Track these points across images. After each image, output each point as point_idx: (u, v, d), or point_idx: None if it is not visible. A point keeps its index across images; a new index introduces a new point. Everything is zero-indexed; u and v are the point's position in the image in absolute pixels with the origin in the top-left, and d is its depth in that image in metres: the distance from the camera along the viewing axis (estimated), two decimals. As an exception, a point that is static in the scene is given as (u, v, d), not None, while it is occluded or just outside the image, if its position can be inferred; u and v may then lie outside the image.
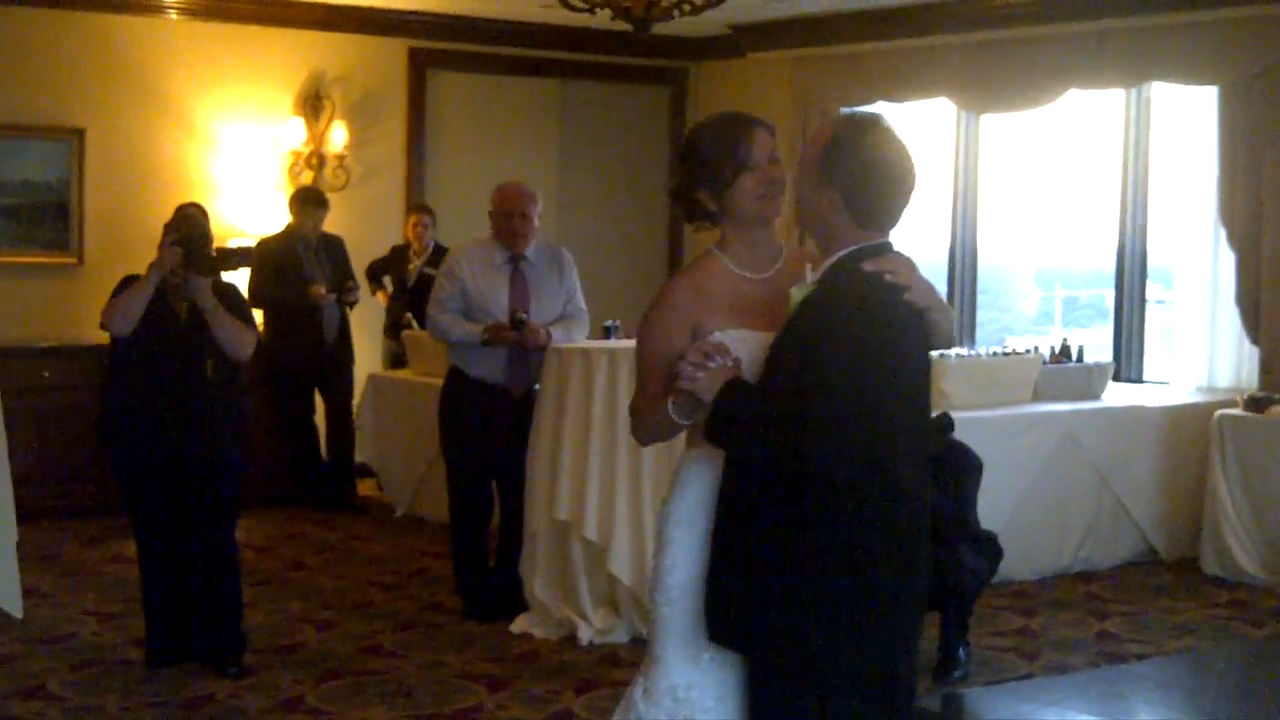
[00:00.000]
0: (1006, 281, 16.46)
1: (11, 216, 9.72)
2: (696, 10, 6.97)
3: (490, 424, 7.05)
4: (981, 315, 11.19)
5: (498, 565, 7.25)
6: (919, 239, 10.26)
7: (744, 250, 3.64)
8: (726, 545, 3.42)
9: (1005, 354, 8.78)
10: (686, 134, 3.74)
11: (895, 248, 3.44)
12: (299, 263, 9.56)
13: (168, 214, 6.51)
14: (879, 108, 9.94)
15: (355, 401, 9.90)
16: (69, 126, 9.75)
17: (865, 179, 3.34)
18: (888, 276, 3.31)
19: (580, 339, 7.09)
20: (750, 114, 3.70)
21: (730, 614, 3.40)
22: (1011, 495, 7.81)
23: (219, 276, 6.10)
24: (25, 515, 7.86)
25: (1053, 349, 9.01)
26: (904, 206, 3.43)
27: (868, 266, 3.32)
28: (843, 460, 3.25)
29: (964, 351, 8.75)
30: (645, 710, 3.56)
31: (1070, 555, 8.27)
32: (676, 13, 7.37)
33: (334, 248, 9.81)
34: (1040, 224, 10.45)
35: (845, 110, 9.33)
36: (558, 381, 6.90)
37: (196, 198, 9.62)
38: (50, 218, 9.77)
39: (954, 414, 6.63)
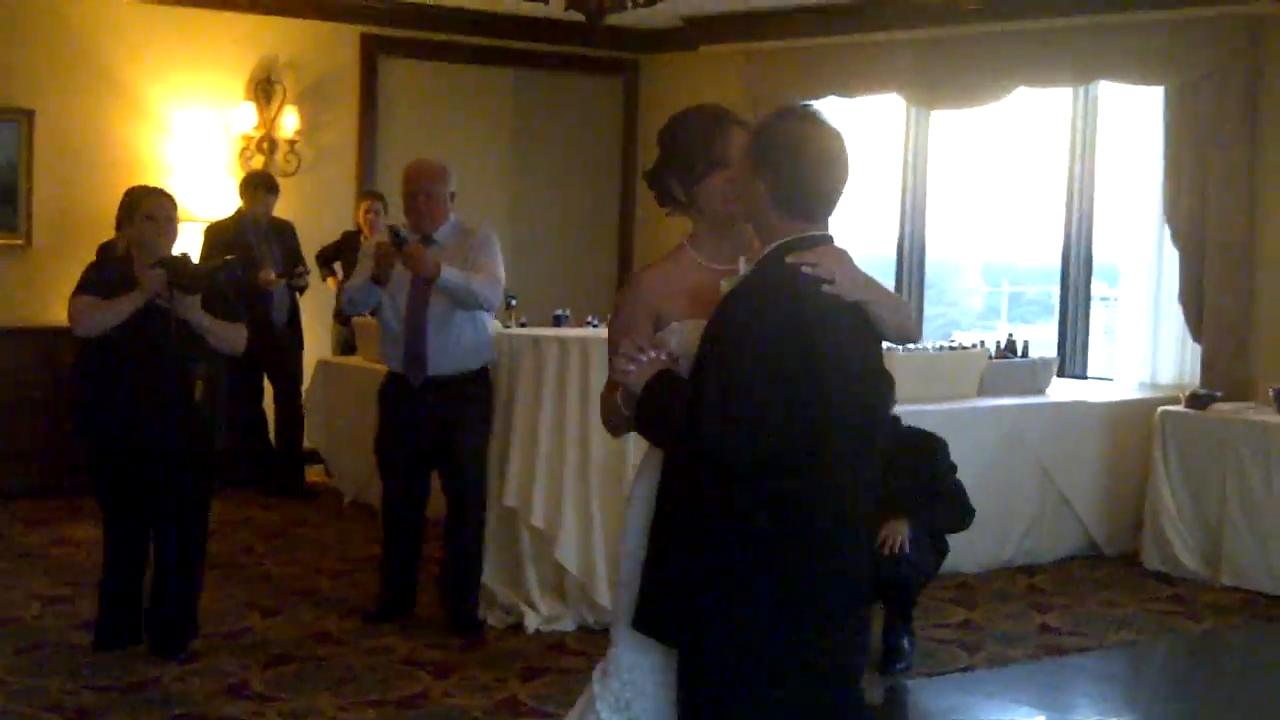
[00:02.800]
0: (953, 277, 16.62)
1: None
2: (649, 3, 6.98)
3: (400, 414, 6.73)
4: (929, 310, 11.30)
5: (449, 564, 6.94)
6: (867, 233, 10.33)
7: (711, 242, 3.66)
8: (655, 534, 3.47)
9: (951, 348, 8.87)
10: (668, 120, 3.75)
11: (832, 240, 3.42)
12: (248, 247, 9.50)
13: (117, 196, 6.49)
14: (829, 103, 10.01)
15: (304, 387, 9.88)
16: (17, 108, 9.68)
17: (790, 169, 3.33)
18: (805, 268, 3.30)
19: (480, 291, 6.46)
20: (731, 112, 3.72)
21: (652, 603, 3.44)
22: (955, 488, 7.87)
23: (209, 288, 6.05)
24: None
25: (998, 344, 9.10)
26: (834, 197, 3.40)
27: (789, 259, 3.32)
28: (744, 453, 3.25)
29: (910, 346, 8.80)
30: (598, 689, 3.65)
31: (1013, 548, 8.36)
32: (629, 4, 7.37)
33: (284, 233, 9.78)
34: (988, 220, 10.54)
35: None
36: (508, 369, 6.92)
37: (146, 180, 9.64)
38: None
39: (900, 408, 6.69)
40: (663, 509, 3.47)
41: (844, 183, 3.40)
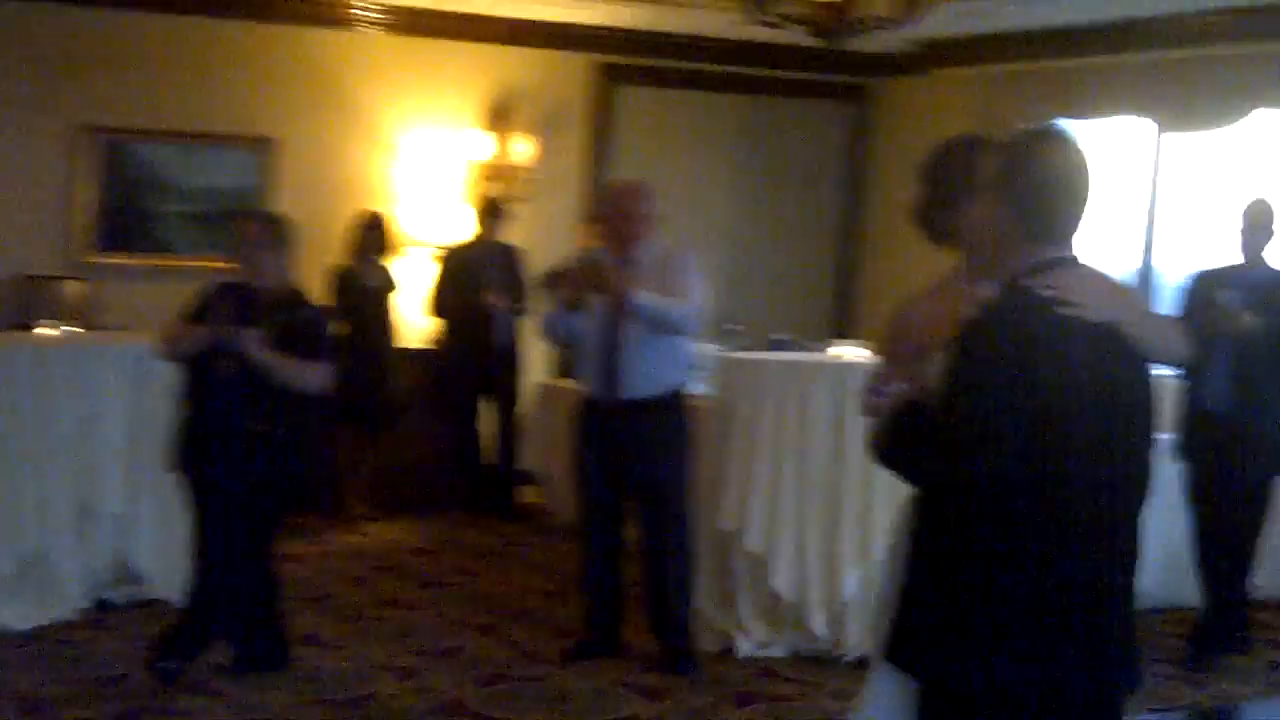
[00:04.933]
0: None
1: (202, 222, 9.99)
2: (890, 27, 6.89)
3: (595, 437, 6.62)
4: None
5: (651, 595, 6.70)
6: (1108, 256, 10.05)
7: (979, 272, 3.53)
8: (906, 567, 3.38)
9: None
10: (928, 153, 3.72)
11: (1075, 261, 3.28)
12: (478, 271, 9.69)
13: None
14: (1066, 125, 9.76)
15: (524, 409, 10.01)
16: (261, 135, 10.01)
17: (1032, 190, 3.24)
18: (1041, 290, 3.19)
19: (675, 316, 6.32)
20: (989, 138, 3.62)
21: (902, 636, 3.35)
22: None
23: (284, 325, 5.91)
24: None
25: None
26: (1077, 218, 3.28)
27: (1025, 281, 3.24)
28: (973, 485, 3.15)
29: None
30: (854, 714, 3.70)
31: None
32: (868, 27, 7.30)
33: (511, 257, 9.93)
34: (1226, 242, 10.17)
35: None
36: (724, 391, 6.89)
37: (381, 206, 9.94)
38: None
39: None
40: (913, 540, 3.39)
41: (1086, 203, 3.28)
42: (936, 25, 9.64)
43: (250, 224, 6.07)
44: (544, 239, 10.54)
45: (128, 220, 9.77)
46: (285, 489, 6.11)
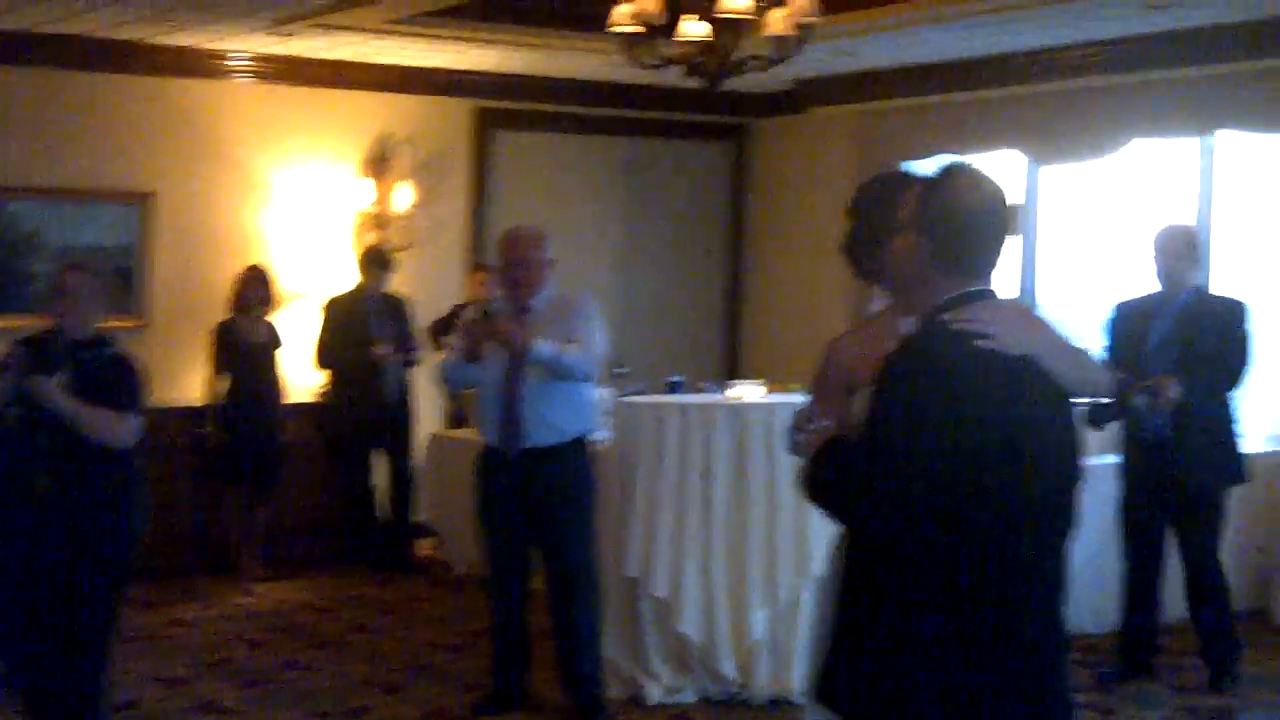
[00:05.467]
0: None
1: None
2: (768, 65, 6.91)
3: (498, 487, 6.51)
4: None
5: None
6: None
7: (906, 308, 3.49)
8: (835, 606, 3.37)
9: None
10: (855, 190, 3.74)
11: (993, 295, 3.27)
12: (364, 322, 9.59)
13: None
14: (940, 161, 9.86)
15: (416, 461, 9.89)
16: (138, 190, 9.79)
17: (948, 227, 3.24)
18: (956, 324, 3.18)
19: (574, 363, 6.26)
20: (914, 175, 3.59)
21: (828, 675, 3.34)
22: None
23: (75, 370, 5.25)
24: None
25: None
26: (994, 252, 3.29)
27: (942, 315, 3.23)
28: (892, 521, 3.13)
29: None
30: None
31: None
32: (746, 69, 7.31)
33: (397, 307, 9.84)
34: (1106, 273, 10.34)
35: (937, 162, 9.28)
36: (623, 436, 6.85)
37: (262, 258, 9.79)
38: (116, 282, 9.75)
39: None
40: (840, 580, 3.37)
41: (1001, 238, 3.29)
42: (812, 64, 9.72)
43: (67, 273, 5.48)
44: (427, 287, 10.46)
45: (4, 281, 9.50)
46: (103, 563, 5.34)
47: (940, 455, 3.09)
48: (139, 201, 9.78)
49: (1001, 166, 10.20)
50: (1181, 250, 6.88)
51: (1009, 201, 3.27)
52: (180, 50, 9.61)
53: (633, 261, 11.71)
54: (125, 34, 9.16)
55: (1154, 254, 6.89)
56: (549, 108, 11.20)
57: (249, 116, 10.14)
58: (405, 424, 9.89)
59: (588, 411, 6.55)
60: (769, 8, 6.58)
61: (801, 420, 3.43)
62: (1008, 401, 3.17)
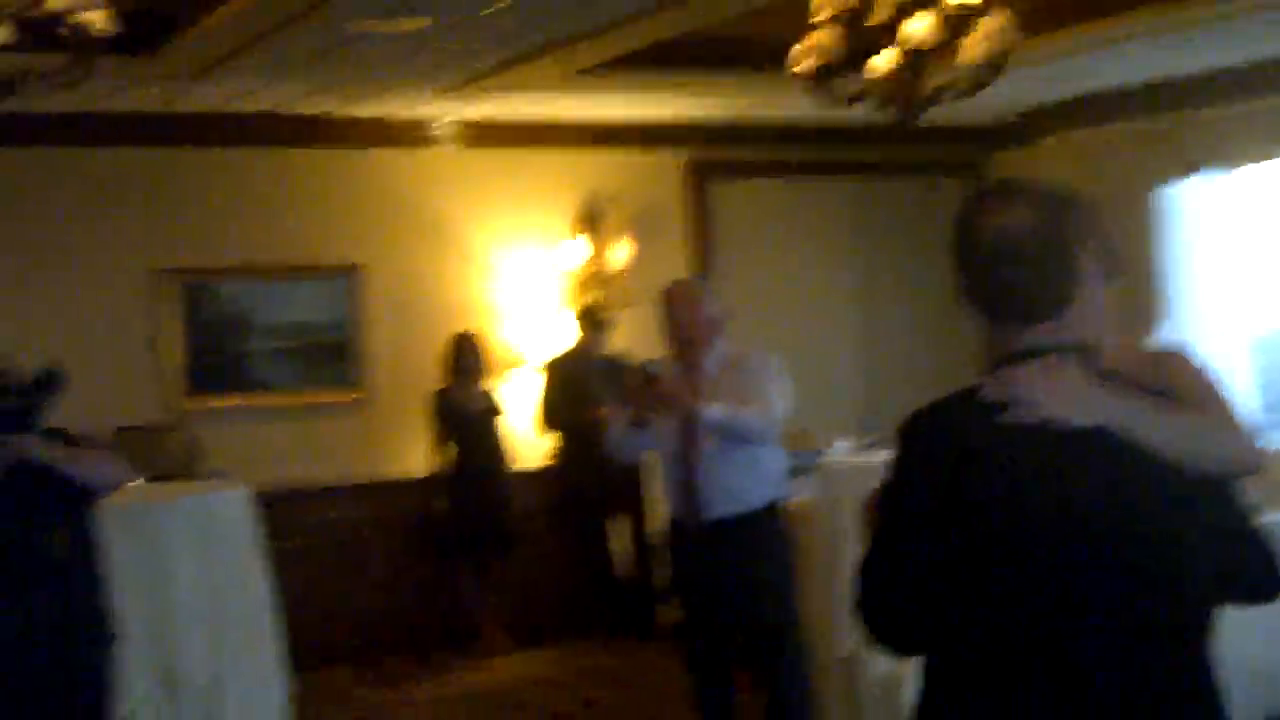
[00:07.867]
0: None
1: (293, 357, 9.70)
2: (961, 95, 6.41)
3: (687, 562, 6.10)
4: None
5: None
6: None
7: None
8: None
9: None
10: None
11: (1050, 352, 2.56)
12: (586, 382, 9.33)
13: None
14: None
15: (654, 522, 9.55)
16: (346, 263, 9.71)
17: (965, 263, 2.63)
18: (983, 393, 2.56)
19: (750, 425, 5.81)
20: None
21: None
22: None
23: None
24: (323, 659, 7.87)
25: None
26: (1016, 293, 2.57)
27: (979, 382, 2.60)
28: (895, 626, 2.63)
29: None
30: None
31: None
32: (944, 98, 6.82)
33: (619, 368, 9.54)
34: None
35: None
36: (827, 503, 6.37)
37: (476, 325, 9.60)
38: (331, 357, 9.70)
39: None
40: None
41: (1049, 275, 2.56)
42: (1037, 90, 9.20)
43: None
44: (647, 347, 10.12)
45: (217, 361, 9.48)
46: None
47: (944, 557, 2.53)
48: (348, 275, 9.69)
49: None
50: None
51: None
52: (375, 121, 9.54)
53: (872, 307, 11.22)
54: (312, 108, 9.12)
55: None
56: (763, 155, 10.82)
57: (454, 182, 10.01)
58: (638, 485, 9.52)
59: (774, 476, 6.04)
60: (959, 33, 6.08)
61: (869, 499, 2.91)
62: (1048, 484, 2.50)
